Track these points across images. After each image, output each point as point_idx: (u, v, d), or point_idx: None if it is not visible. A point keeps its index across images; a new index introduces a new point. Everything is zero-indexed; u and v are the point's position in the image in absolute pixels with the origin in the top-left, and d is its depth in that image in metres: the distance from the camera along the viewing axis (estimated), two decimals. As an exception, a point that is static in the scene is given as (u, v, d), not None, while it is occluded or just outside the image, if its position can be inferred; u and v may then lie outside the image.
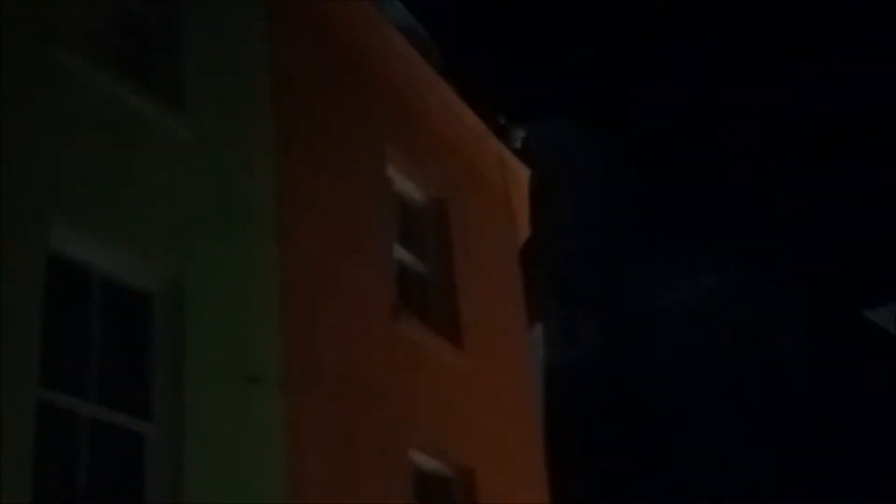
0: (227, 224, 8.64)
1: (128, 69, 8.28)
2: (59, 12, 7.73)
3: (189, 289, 8.02)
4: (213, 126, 8.75)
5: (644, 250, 19.87)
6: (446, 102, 12.99)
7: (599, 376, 17.78)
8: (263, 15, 9.87)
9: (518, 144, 14.73)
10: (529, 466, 12.50)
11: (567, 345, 15.45)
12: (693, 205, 22.12)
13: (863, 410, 20.31)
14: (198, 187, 8.46)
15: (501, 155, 14.15)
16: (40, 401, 6.72)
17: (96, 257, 7.50)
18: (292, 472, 8.37)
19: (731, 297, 20.96)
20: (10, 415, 6.35)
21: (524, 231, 14.52)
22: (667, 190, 21.50)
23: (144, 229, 7.85)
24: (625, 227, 20.07)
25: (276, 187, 9.29)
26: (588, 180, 19.40)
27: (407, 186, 12.14)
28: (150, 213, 7.92)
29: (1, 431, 6.24)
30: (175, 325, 7.84)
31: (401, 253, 11.71)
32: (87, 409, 7.19)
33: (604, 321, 18.28)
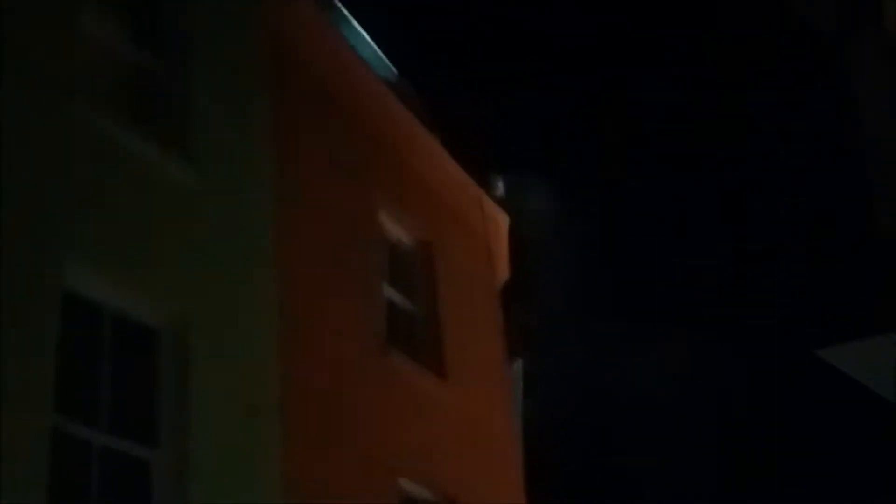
0: (229, 265, 8.73)
1: (139, 119, 8.39)
2: (74, 66, 7.84)
3: (193, 324, 8.10)
4: (217, 173, 8.86)
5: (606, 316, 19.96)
6: (432, 153, 13.15)
7: (573, 413, 17.91)
8: (265, 68, 10.01)
9: (498, 192, 14.89)
10: (510, 493, 12.54)
11: (542, 382, 15.52)
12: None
13: (814, 445, 20.31)
14: (202, 230, 8.54)
15: (482, 201, 14.30)
16: (55, 429, 6.76)
17: (107, 295, 7.57)
18: (287, 497, 8.40)
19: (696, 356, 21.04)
20: (26, 442, 6.40)
21: (504, 272, 14.63)
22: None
23: (152, 269, 7.94)
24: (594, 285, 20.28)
25: (274, 230, 9.38)
26: (562, 236, 19.53)
27: (396, 230, 12.27)
28: (158, 254, 8.01)
29: (18, 457, 6.27)
30: (180, 358, 7.91)
31: (390, 292, 11.81)
32: (99, 438, 7.24)
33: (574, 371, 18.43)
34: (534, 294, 16.20)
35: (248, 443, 8.21)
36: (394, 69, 13.41)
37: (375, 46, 13.17)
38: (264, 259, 9.15)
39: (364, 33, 12.94)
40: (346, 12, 12.57)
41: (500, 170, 15.43)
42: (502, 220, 14.76)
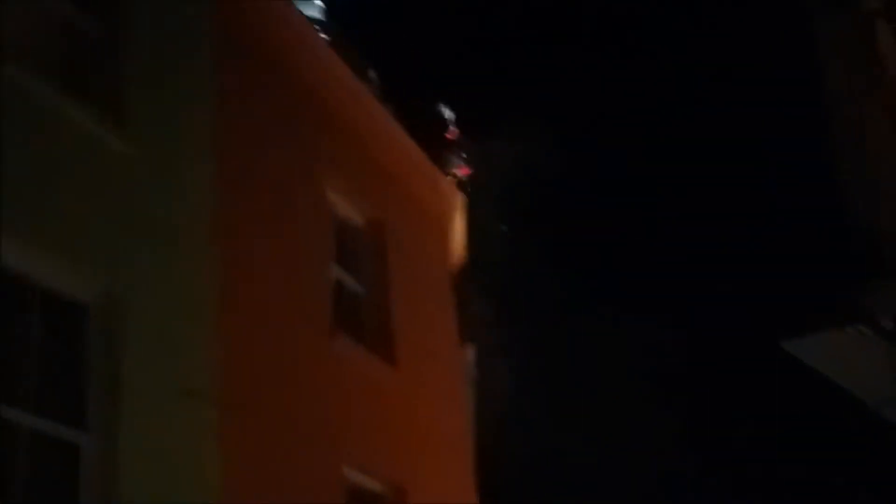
0: (165, 238, 8.59)
1: (71, 82, 8.20)
2: (3, 25, 7.64)
3: (126, 301, 7.96)
4: (153, 141, 8.70)
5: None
6: (385, 127, 13.04)
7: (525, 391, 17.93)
8: (207, 34, 9.84)
9: (454, 170, 14.81)
10: (459, 484, 12.52)
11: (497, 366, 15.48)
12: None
13: (779, 438, 20.53)
14: (137, 201, 8.39)
15: (437, 180, 14.22)
16: (-25, 410, 6.61)
17: (34, 268, 7.40)
18: (224, 486, 8.30)
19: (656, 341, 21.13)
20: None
21: (458, 255, 14.56)
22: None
23: (82, 241, 7.77)
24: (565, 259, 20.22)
25: (214, 204, 9.25)
26: (533, 201, 19.43)
27: (345, 207, 12.16)
28: (89, 225, 7.84)
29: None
30: (112, 337, 7.78)
31: (337, 272, 11.71)
32: (24, 420, 7.08)
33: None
34: (489, 278, 16.14)
35: (182, 428, 8.08)
36: (346, 39, 13.27)
37: (325, 12, 13.04)
38: (203, 233, 9.02)
39: (315, -1, 12.82)
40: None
41: (472, 135, 15.35)
42: (457, 199, 14.68)
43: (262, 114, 10.56)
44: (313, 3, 12.81)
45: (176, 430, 8.03)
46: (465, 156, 15.13)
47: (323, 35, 12.39)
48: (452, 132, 15.25)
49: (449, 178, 14.70)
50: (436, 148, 14.61)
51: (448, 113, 15.32)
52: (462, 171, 15.14)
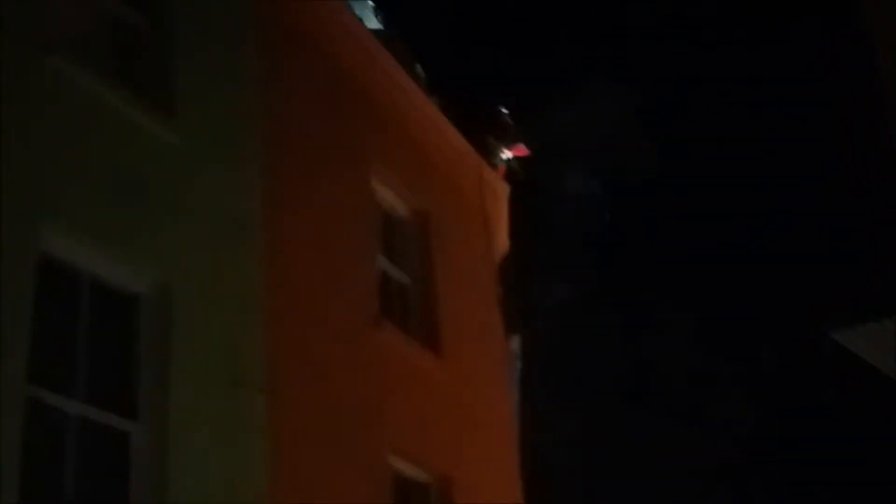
0: (215, 230, 8.64)
1: (121, 76, 8.29)
2: (53, 20, 7.73)
3: (176, 292, 8.01)
4: (203, 134, 8.76)
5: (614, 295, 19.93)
6: (430, 118, 13.04)
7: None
8: (253, 24, 9.89)
9: (499, 162, 14.78)
10: (505, 475, 12.50)
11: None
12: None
13: (834, 430, 20.35)
14: (187, 194, 8.45)
15: (481, 171, 14.20)
16: (30, 398, 6.69)
17: (86, 259, 7.48)
18: (273, 474, 8.35)
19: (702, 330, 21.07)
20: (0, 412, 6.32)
21: (503, 245, 14.54)
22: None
23: (133, 233, 7.84)
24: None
25: (263, 195, 9.29)
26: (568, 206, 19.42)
27: (390, 199, 12.17)
28: (140, 217, 7.91)
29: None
30: (162, 328, 7.83)
31: (383, 263, 11.72)
32: (75, 408, 7.16)
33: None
34: (535, 269, 16.12)
35: (231, 418, 8.13)
36: (393, 31, 13.28)
37: (373, 5, 13.05)
38: (252, 226, 9.06)
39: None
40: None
41: (523, 112, 15.37)
42: (502, 191, 14.65)
43: (309, 104, 10.59)
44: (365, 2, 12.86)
45: (225, 419, 8.09)
46: (519, 142, 15.11)
47: (371, 28, 12.42)
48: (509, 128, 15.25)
49: (499, 165, 14.70)
50: (483, 140, 14.62)
51: (504, 110, 15.31)
52: (518, 152, 15.13)
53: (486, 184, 14.24)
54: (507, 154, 15.03)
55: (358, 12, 12.36)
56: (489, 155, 14.74)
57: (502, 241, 14.51)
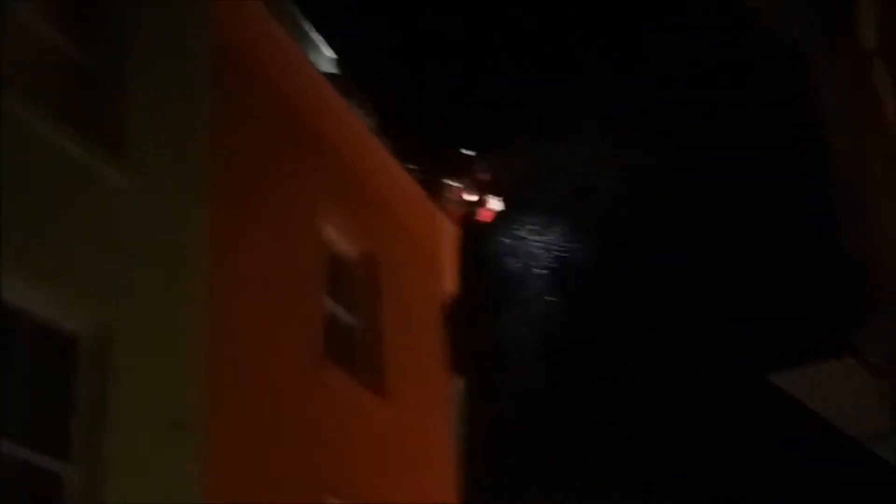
0: (159, 272, 8.62)
1: (70, 116, 8.25)
2: (4, 60, 7.70)
3: (116, 332, 7.99)
4: (151, 176, 8.75)
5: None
6: (380, 160, 13.09)
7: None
8: (206, 69, 9.91)
9: (449, 201, 14.82)
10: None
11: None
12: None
13: (767, 469, 20.51)
14: (132, 235, 8.43)
15: (432, 214, 14.25)
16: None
17: (25, 299, 7.43)
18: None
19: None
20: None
21: (451, 288, 14.57)
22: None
23: (74, 272, 7.81)
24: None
25: (209, 236, 9.29)
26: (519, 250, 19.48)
27: (339, 240, 12.19)
28: (83, 257, 7.89)
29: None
30: (100, 369, 7.80)
31: (330, 304, 11.73)
32: (9, 448, 7.10)
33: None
34: (482, 312, 16.15)
35: (168, 460, 8.10)
36: (346, 72, 13.34)
37: (325, 47, 13.11)
38: (196, 266, 9.06)
39: (314, 35, 12.89)
40: (295, 13, 12.50)
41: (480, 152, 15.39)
42: (451, 231, 14.71)
43: (259, 146, 10.62)
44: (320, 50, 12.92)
45: (161, 462, 8.05)
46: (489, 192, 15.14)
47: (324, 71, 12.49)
48: (483, 174, 15.26)
49: (452, 208, 14.73)
50: (437, 182, 14.68)
51: (471, 154, 15.35)
52: (484, 217, 15.15)
53: (436, 227, 14.30)
54: (468, 199, 15.05)
55: (311, 55, 12.42)
56: (441, 198, 14.79)
57: (451, 283, 14.55)
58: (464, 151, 15.55)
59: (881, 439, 8.33)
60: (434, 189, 14.57)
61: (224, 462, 8.72)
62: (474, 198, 15.17)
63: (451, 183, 15.07)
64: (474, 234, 15.11)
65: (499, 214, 15.56)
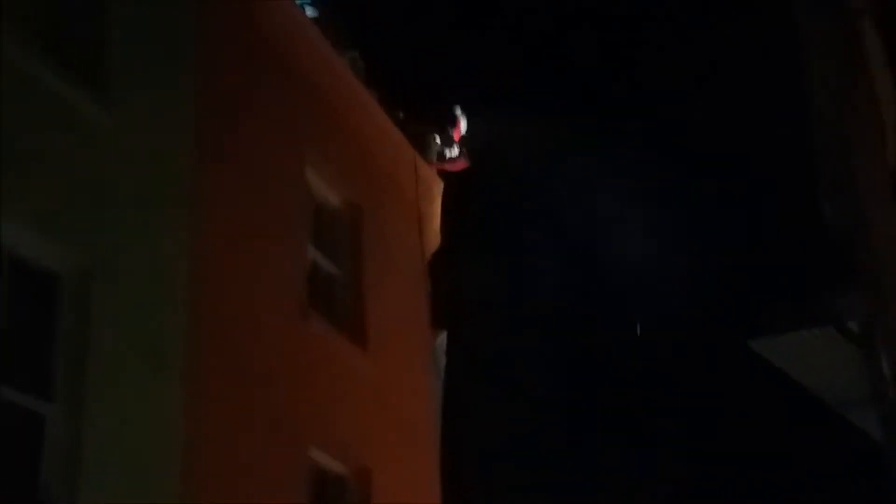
0: (141, 211, 8.54)
1: (51, 52, 8.12)
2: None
3: (98, 272, 7.91)
4: (134, 113, 8.64)
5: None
6: (366, 109, 13.00)
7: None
8: (192, 11, 9.77)
9: (434, 156, 14.78)
10: (424, 471, 12.53)
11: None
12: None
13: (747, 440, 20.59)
14: (114, 173, 8.33)
15: (416, 163, 14.19)
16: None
17: (6, 236, 7.33)
18: (189, 462, 8.28)
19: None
20: None
21: (434, 239, 14.55)
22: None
23: (57, 210, 7.71)
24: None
25: (193, 178, 9.20)
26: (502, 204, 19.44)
27: (323, 189, 12.11)
28: (64, 195, 7.78)
29: None
30: (82, 308, 7.72)
31: (314, 253, 11.67)
32: (-11, 387, 7.04)
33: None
34: (465, 264, 16.15)
35: (149, 400, 8.06)
36: (332, 16, 13.20)
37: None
38: (179, 207, 8.97)
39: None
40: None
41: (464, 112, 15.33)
42: (436, 185, 14.67)
43: (245, 90, 10.51)
44: None
45: (142, 402, 8.01)
46: (462, 151, 15.12)
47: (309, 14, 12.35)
48: (458, 128, 15.21)
49: (436, 161, 14.71)
50: (422, 134, 14.62)
51: (458, 110, 15.28)
52: (457, 166, 15.16)
53: (420, 178, 14.24)
54: (447, 153, 15.04)
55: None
56: (426, 150, 14.73)
57: (434, 236, 14.52)
58: (448, 105, 15.49)
59: (860, 408, 8.39)
60: (418, 140, 14.52)
61: (205, 405, 8.69)
62: (454, 153, 15.15)
63: (435, 135, 15.03)
64: (458, 185, 15.06)
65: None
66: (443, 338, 14.13)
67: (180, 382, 8.39)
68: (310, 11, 12.52)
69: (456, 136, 15.17)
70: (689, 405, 21.35)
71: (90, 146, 8.15)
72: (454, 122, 15.19)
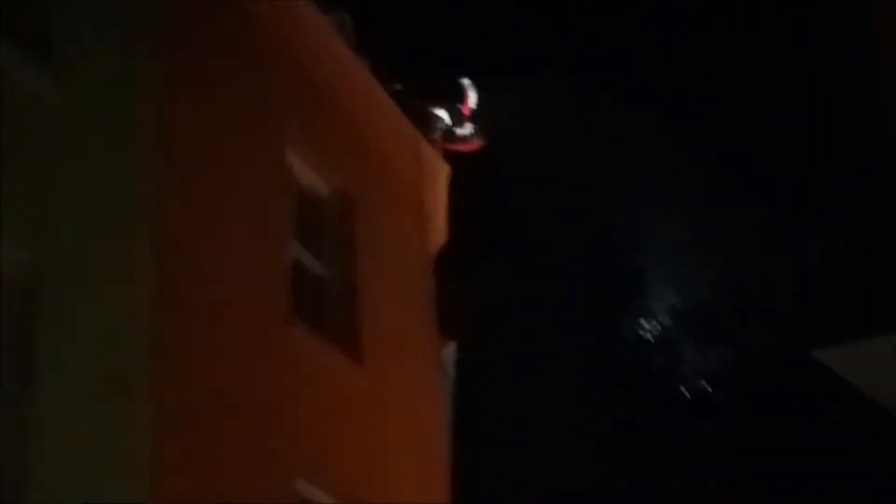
0: (97, 206, 8.50)
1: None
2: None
3: (46, 276, 7.88)
4: (88, 90, 8.62)
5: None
6: (357, 81, 12.97)
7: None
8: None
9: (438, 135, 14.74)
10: (430, 498, 12.50)
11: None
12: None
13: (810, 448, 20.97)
14: (65, 161, 8.31)
15: (418, 147, 14.16)
16: None
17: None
18: (154, 492, 8.22)
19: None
20: None
21: (439, 235, 14.52)
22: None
23: (-2, 204, 7.69)
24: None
25: (155, 165, 9.15)
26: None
27: (308, 175, 12.09)
28: (7, 187, 7.74)
29: None
30: (26, 319, 7.70)
31: (298, 251, 11.65)
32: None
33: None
34: (476, 264, 16.13)
35: (107, 427, 8.01)
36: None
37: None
38: (141, 200, 8.92)
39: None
40: None
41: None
42: (441, 171, 14.64)
43: (217, 62, 10.46)
44: None
45: (99, 428, 7.95)
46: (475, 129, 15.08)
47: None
48: (467, 103, 15.19)
49: (441, 141, 14.70)
50: (424, 111, 14.61)
51: (465, 81, 15.25)
52: (468, 147, 15.13)
53: (422, 162, 14.22)
54: (457, 131, 15.00)
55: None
56: (429, 129, 14.71)
57: (439, 230, 14.50)
58: (455, 77, 15.46)
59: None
60: (421, 119, 14.50)
61: (175, 431, 8.63)
62: (465, 131, 15.11)
63: (439, 113, 15.00)
64: (468, 170, 15.03)
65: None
66: (451, 349, 14.10)
67: (143, 406, 8.33)
68: None
69: (465, 112, 15.14)
70: (752, 415, 21.69)
71: (36, 128, 8.13)
72: (461, 96, 15.15)
